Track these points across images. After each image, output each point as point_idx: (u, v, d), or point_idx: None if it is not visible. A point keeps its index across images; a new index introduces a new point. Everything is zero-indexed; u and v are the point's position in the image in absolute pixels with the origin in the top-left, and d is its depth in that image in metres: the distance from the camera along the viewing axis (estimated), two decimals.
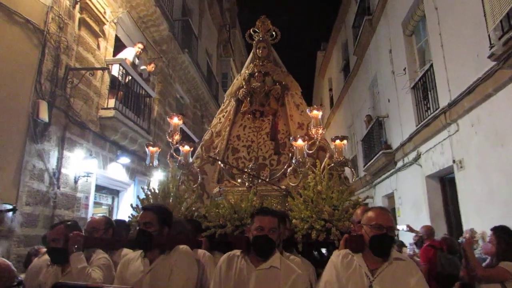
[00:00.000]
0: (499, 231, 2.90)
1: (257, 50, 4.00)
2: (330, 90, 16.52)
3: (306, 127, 3.55)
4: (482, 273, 2.79)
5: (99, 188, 6.12)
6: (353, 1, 11.72)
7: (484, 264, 3.04)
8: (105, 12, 5.95)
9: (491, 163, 4.65)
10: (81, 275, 2.00)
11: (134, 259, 2.02)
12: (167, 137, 3.35)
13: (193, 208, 3.08)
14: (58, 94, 4.85)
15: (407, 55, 7.49)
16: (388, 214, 1.79)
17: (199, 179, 3.38)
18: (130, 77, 6.30)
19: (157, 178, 3.52)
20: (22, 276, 2.96)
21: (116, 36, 6.61)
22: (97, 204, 6.21)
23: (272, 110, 3.79)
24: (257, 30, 4.08)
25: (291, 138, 3.13)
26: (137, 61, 6.76)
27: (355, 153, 11.87)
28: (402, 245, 5.86)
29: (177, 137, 3.30)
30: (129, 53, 6.62)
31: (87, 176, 5.22)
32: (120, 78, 5.99)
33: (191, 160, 3.38)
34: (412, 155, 7.23)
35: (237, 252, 1.94)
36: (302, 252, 2.61)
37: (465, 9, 5.05)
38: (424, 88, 6.64)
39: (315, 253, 3.00)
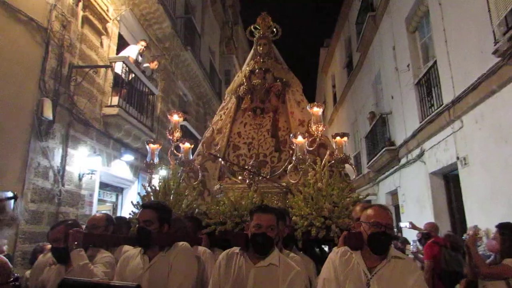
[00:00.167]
0: (503, 228, 2.88)
1: (258, 47, 3.99)
2: (333, 86, 16.44)
3: (307, 124, 3.54)
4: (486, 270, 2.78)
5: (103, 186, 6.18)
6: None
7: (488, 261, 3.03)
8: (108, 10, 5.97)
9: (495, 159, 4.61)
10: (83, 272, 2.01)
11: (133, 256, 2.04)
12: (167, 134, 3.36)
13: (194, 205, 3.09)
14: (62, 92, 4.89)
15: (411, 52, 7.43)
16: (387, 212, 1.78)
17: (200, 176, 3.39)
18: (133, 75, 6.33)
19: (159, 175, 3.52)
20: (27, 272, 3.01)
21: (119, 33, 6.63)
22: (101, 201, 6.27)
23: (272, 107, 3.78)
24: (257, 27, 4.07)
25: (291, 135, 3.12)
26: (140, 58, 6.79)
27: (359, 150, 11.83)
28: (405, 241, 5.85)
29: (177, 134, 3.30)
30: (132, 51, 6.64)
31: (91, 173, 5.27)
32: (123, 75, 6.02)
33: (191, 157, 3.39)
34: (416, 152, 7.19)
35: (236, 249, 1.95)
36: (303, 249, 2.62)
37: (469, 5, 4.99)
38: (427, 85, 6.59)
39: (317, 249, 3.01)
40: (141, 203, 2.93)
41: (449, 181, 6.46)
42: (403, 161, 7.96)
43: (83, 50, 5.44)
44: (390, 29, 8.44)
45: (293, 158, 3.02)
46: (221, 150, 3.64)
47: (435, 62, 6.19)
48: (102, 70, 5.88)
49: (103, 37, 5.98)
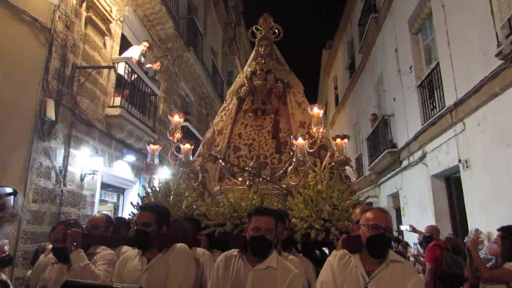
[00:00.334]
0: (504, 231, 2.87)
1: (260, 48, 3.99)
2: (336, 88, 16.42)
3: (308, 126, 3.53)
4: (487, 274, 2.77)
5: (105, 186, 6.20)
6: None
7: (489, 265, 3.01)
8: (111, 11, 6.00)
9: (497, 162, 4.59)
10: (84, 273, 2.02)
11: (132, 257, 2.03)
12: (168, 135, 3.36)
13: (194, 206, 3.09)
14: (65, 93, 4.92)
15: (413, 53, 7.41)
16: (386, 215, 1.77)
17: (200, 177, 3.39)
18: (136, 76, 6.35)
19: (160, 176, 3.53)
20: (29, 272, 3.03)
21: (122, 34, 6.66)
22: (102, 201, 6.29)
23: (273, 108, 3.77)
24: (259, 28, 4.07)
25: (291, 136, 3.12)
26: (142, 59, 6.81)
27: (360, 151, 11.80)
28: (407, 245, 5.83)
29: (178, 135, 3.31)
30: (135, 52, 6.67)
31: (93, 174, 5.29)
32: (126, 76, 6.04)
33: (192, 158, 3.39)
34: (418, 154, 7.16)
35: (235, 251, 1.94)
36: (302, 251, 2.61)
37: (472, 7, 4.97)
38: (430, 87, 6.57)
39: (317, 251, 3.01)
40: (140, 204, 2.93)
41: (450, 184, 6.44)
42: (404, 163, 7.94)
43: (86, 51, 5.47)
44: (393, 30, 8.43)
45: (294, 160, 3.01)
46: (221, 151, 3.64)
47: (438, 64, 6.18)
48: (105, 70, 5.90)
49: (106, 37, 6.01)
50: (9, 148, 4.02)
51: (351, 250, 1.77)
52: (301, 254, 2.51)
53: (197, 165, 3.53)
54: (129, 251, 2.14)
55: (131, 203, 3.26)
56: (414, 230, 5.12)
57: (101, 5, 5.65)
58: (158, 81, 7.84)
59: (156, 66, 7.33)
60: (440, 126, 6.07)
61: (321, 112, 3.18)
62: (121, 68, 6.03)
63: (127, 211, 6.49)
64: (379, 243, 1.69)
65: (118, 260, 2.11)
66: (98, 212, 5.56)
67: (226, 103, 4.14)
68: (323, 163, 2.98)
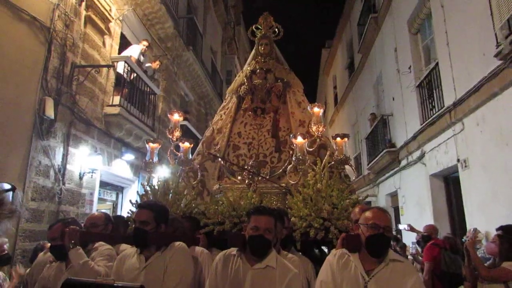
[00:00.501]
0: (502, 231, 2.88)
1: (259, 47, 3.99)
2: (335, 87, 16.43)
3: (307, 125, 3.53)
4: (485, 273, 2.78)
5: (104, 184, 6.20)
6: None
7: (487, 264, 3.03)
8: (110, 10, 5.99)
9: (496, 162, 4.61)
10: (84, 270, 2.01)
11: (130, 255, 2.03)
12: (167, 133, 3.36)
13: (193, 205, 3.09)
14: (64, 91, 4.91)
15: (412, 53, 7.42)
16: (385, 214, 1.77)
17: (199, 176, 3.39)
18: (135, 75, 6.34)
19: (159, 174, 3.52)
20: (28, 270, 3.03)
21: (122, 33, 6.65)
22: (101, 200, 6.29)
23: (273, 107, 3.77)
24: (259, 27, 4.06)
25: (291, 135, 3.12)
26: (142, 58, 6.80)
27: (359, 151, 11.82)
28: (404, 247, 5.82)
29: (177, 133, 3.30)
30: (134, 51, 6.66)
31: (92, 172, 5.29)
32: (125, 75, 6.04)
33: (191, 156, 3.39)
34: (416, 153, 7.18)
35: (233, 250, 1.93)
36: (302, 250, 2.61)
37: (471, 7, 4.99)
38: (429, 87, 6.58)
39: (316, 250, 3.01)
40: (139, 202, 2.93)
41: (449, 184, 6.45)
42: (403, 163, 7.96)
43: (85, 50, 5.46)
44: (392, 30, 8.44)
45: (293, 159, 3.01)
46: (221, 150, 3.64)
47: (437, 64, 6.19)
48: (104, 69, 5.90)
49: (105, 36, 6.00)
50: (8, 147, 4.02)
51: (350, 249, 1.77)
52: (300, 253, 2.51)
53: (196, 164, 3.53)
54: (127, 249, 2.14)
55: (130, 201, 3.25)
56: (412, 229, 5.13)
57: (101, 4, 5.64)
58: (157, 80, 7.84)
59: (155, 65, 7.33)
60: (439, 126, 6.08)
61: (321, 111, 3.18)
62: (120, 67, 6.03)
63: (125, 210, 6.51)
64: (379, 242, 1.68)
65: (117, 258, 2.10)
66: (97, 210, 5.55)
67: (225, 101, 4.14)
68: (323, 162, 2.98)
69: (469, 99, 5.08)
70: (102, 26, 5.81)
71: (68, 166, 4.94)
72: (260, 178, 3.20)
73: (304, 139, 2.95)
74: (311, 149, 3.17)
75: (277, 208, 2.75)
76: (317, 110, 3.17)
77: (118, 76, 6.06)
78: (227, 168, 3.56)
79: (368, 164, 9.95)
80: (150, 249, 1.98)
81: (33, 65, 4.46)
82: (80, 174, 5.18)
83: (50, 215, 4.57)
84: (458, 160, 5.56)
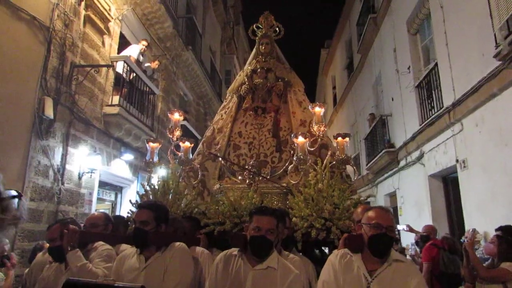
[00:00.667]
0: (501, 231, 2.89)
1: (260, 46, 3.97)
2: (334, 88, 16.44)
3: (308, 124, 3.53)
4: (484, 273, 2.79)
5: (103, 184, 6.18)
6: None
7: (485, 264, 3.03)
8: (110, 9, 5.97)
9: (494, 163, 4.62)
10: (82, 273, 1.99)
11: (130, 256, 2.01)
12: (168, 133, 3.35)
13: (193, 205, 3.08)
14: (63, 91, 4.90)
15: (412, 54, 7.44)
16: (388, 213, 1.75)
17: (200, 176, 3.38)
18: (134, 74, 6.33)
19: (159, 174, 3.51)
20: (26, 271, 3.01)
21: (121, 33, 6.63)
22: (100, 200, 6.27)
23: (274, 106, 3.76)
24: (260, 26, 4.05)
25: (292, 135, 3.11)
26: (141, 58, 6.79)
27: (358, 151, 11.84)
28: (403, 250, 5.81)
29: (177, 133, 3.29)
30: (133, 50, 6.65)
31: (91, 172, 5.27)
32: (124, 75, 6.02)
33: (191, 156, 3.38)
34: (415, 154, 7.19)
35: (234, 250, 1.92)
36: (303, 250, 2.61)
37: (470, 8, 5.00)
38: (428, 87, 6.60)
39: (317, 251, 3.01)
40: (139, 202, 2.92)
41: (448, 184, 6.47)
42: (402, 163, 7.97)
43: (84, 49, 5.45)
44: (391, 31, 8.45)
45: (294, 159, 3.01)
46: (221, 149, 3.63)
47: (436, 64, 6.20)
48: (103, 69, 5.88)
49: (104, 36, 5.98)
50: (7, 147, 4.00)
51: (352, 250, 1.75)
52: (301, 254, 2.51)
53: (196, 164, 3.51)
54: (127, 250, 2.13)
55: (130, 201, 3.24)
56: (411, 229, 5.14)
57: (100, 3, 5.63)
58: (157, 80, 7.82)
59: (155, 65, 7.31)
60: (438, 126, 6.10)
61: (322, 110, 3.18)
62: (120, 67, 6.01)
63: (124, 210, 6.50)
64: (381, 242, 1.66)
65: (116, 259, 2.09)
66: (96, 210, 5.54)
67: (226, 101, 4.12)
68: (324, 162, 2.98)
69: (468, 99, 5.10)
70: (101, 25, 5.79)
71: (67, 166, 4.93)
72: (261, 178, 3.19)
73: (305, 138, 2.95)
74: (312, 149, 3.17)
75: (279, 208, 2.74)
76: (318, 109, 3.17)
77: (117, 76, 6.05)
78: (227, 168, 3.55)
79: (367, 165, 9.96)
80: (150, 249, 1.97)
81: (32, 64, 4.44)
82: (79, 174, 5.16)
83: (49, 215, 4.55)
84: (457, 161, 5.57)
